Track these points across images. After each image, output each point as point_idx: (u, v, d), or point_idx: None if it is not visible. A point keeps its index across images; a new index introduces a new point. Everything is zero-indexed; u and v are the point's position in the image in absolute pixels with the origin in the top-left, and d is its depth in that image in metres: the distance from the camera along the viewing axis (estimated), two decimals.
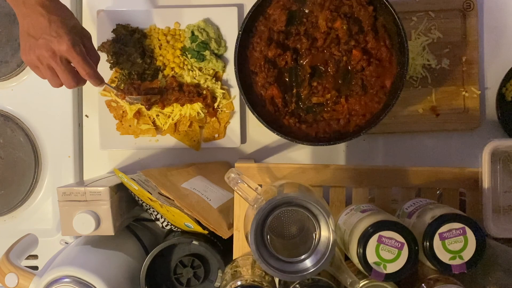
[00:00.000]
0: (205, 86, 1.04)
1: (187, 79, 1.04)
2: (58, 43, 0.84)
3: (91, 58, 0.89)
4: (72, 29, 0.86)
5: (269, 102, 0.93)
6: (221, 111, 1.05)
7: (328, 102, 0.94)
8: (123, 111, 1.05)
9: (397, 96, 0.87)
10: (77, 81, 0.89)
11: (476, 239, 0.71)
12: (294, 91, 0.94)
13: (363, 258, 0.70)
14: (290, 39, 0.93)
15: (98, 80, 0.91)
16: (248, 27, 0.92)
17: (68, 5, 1.05)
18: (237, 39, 0.90)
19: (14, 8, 0.87)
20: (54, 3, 0.86)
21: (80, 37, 0.88)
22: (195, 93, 1.02)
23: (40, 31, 0.84)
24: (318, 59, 0.93)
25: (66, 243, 1.05)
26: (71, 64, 0.87)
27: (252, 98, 0.92)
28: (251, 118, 1.08)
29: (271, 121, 0.91)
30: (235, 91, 1.06)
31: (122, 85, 1.03)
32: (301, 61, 0.94)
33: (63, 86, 0.90)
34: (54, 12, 0.85)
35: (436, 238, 0.71)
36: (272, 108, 0.93)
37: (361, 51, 0.91)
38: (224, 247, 0.93)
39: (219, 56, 1.06)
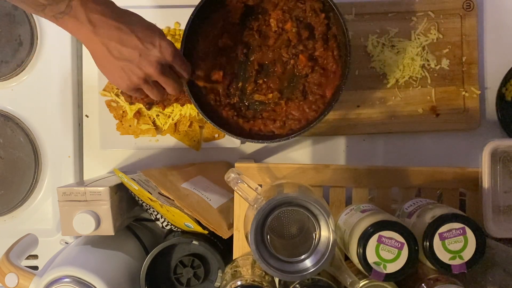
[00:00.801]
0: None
1: None
2: (161, 53, 0.74)
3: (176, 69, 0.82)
4: (159, 29, 0.76)
5: (211, 91, 0.93)
6: None
7: (270, 102, 0.94)
8: (123, 111, 1.05)
9: (332, 106, 0.87)
10: (181, 83, 0.83)
11: (476, 239, 0.71)
12: (240, 84, 0.95)
13: (363, 258, 0.70)
14: (244, 33, 0.93)
15: (190, 75, 0.85)
16: (203, 14, 0.91)
17: None
18: (188, 21, 0.88)
19: (79, 37, 0.73)
20: (121, 9, 0.73)
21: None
22: None
23: (133, 50, 0.73)
24: (267, 58, 0.94)
25: (66, 243, 1.05)
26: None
27: (192, 85, 0.92)
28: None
29: (209, 110, 0.91)
30: None
31: None
32: (251, 57, 0.94)
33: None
34: (130, 20, 0.73)
35: (436, 238, 0.71)
36: (213, 97, 0.93)
37: (307, 57, 0.92)
38: (224, 247, 0.93)
39: None
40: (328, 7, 0.90)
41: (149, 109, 1.03)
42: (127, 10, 0.76)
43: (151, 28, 0.75)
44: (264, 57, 0.94)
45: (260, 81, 0.94)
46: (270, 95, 0.94)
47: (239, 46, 0.93)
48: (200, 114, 1.03)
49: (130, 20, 0.73)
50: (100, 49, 0.73)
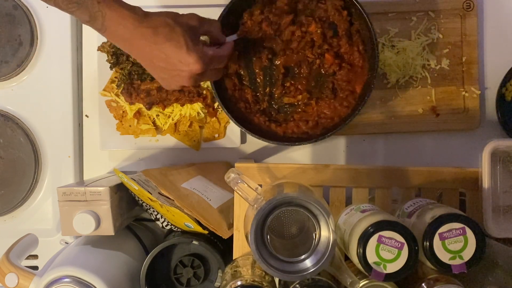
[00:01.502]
0: (205, 86, 1.04)
1: None
2: (190, 69, 0.77)
3: (214, 36, 0.85)
4: (186, 40, 0.76)
5: (241, 99, 0.94)
6: (221, 111, 1.05)
7: (300, 103, 0.94)
8: (123, 111, 1.05)
9: (365, 101, 0.87)
10: (220, 71, 0.87)
11: (476, 239, 0.71)
12: (267, 89, 0.95)
13: (363, 258, 0.70)
14: (267, 39, 0.94)
15: (231, 51, 0.87)
16: (228, 20, 0.91)
17: None
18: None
19: (122, 48, 0.78)
20: (150, 25, 0.75)
21: (192, 32, 0.78)
22: (195, 93, 1.02)
23: (165, 64, 0.77)
24: (292, 60, 0.94)
25: (66, 243, 1.05)
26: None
27: (223, 93, 0.92)
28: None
29: (241, 118, 0.92)
30: None
31: (122, 85, 1.03)
32: (276, 61, 0.94)
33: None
34: (157, 39, 0.75)
35: (436, 238, 0.71)
36: (243, 105, 0.94)
37: (333, 55, 0.92)
38: (224, 247, 0.93)
39: None
40: (349, 3, 0.91)
41: (149, 109, 1.03)
42: (154, 18, 0.76)
43: (178, 43, 0.76)
44: (289, 60, 0.94)
45: (288, 84, 0.94)
46: (299, 97, 0.94)
47: (263, 52, 0.93)
48: (207, 115, 1.04)
49: (157, 39, 0.75)
50: (142, 61, 0.79)
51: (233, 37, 0.91)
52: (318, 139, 0.89)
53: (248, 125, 0.92)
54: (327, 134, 0.89)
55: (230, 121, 1.05)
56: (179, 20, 0.78)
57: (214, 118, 1.05)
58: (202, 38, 0.86)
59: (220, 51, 0.83)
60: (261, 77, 0.95)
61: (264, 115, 0.94)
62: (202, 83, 1.04)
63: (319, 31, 0.92)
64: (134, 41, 0.75)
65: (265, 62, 0.94)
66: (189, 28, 0.79)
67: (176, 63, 0.76)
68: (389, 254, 0.70)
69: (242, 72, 0.95)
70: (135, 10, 0.75)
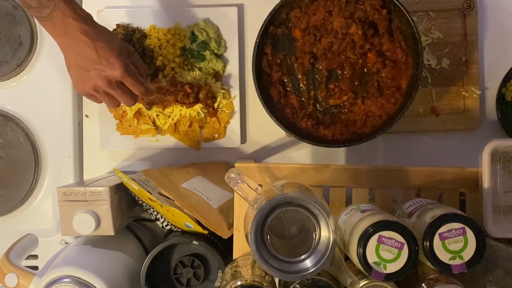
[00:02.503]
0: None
1: (187, 79, 1.04)
2: (111, 70, 0.83)
3: (140, 73, 0.89)
4: (120, 52, 0.85)
5: (286, 105, 0.95)
6: (221, 111, 1.05)
7: (345, 103, 0.95)
8: (123, 111, 1.05)
9: (413, 96, 0.88)
10: (135, 99, 0.89)
11: (476, 239, 0.71)
12: (312, 93, 0.96)
13: (363, 258, 0.70)
14: (306, 44, 0.95)
15: (149, 93, 0.91)
16: (265, 32, 0.93)
17: None
18: (255, 46, 0.92)
19: (55, 39, 0.84)
20: (95, 28, 0.84)
21: (127, 56, 0.87)
22: (193, 97, 1.02)
23: (90, 62, 0.83)
24: (334, 63, 0.95)
25: (66, 243, 1.05)
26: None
27: (269, 102, 0.94)
28: (251, 118, 1.08)
29: (288, 124, 0.93)
30: (235, 91, 1.06)
31: None
32: (318, 65, 0.95)
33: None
34: (98, 38, 0.83)
35: (436, 238, 0.71)
36: (289, 111, 0.95)
37: (376, 53, 0.93)
38: (224, 247, 0.93)
39: (219, 56, 1.06)
40: (388, 2, 0.91)
41: (149, 109, 1.03)
42: (102, 27, 0.86)
43: (113, 47, 0.84)
44: (331, 63, 0.95)
45: (332, 86, 0.95)
46: (345, 97, 0.95)
47: (305, 57, 0.94)
48: (208, 115, 1.04)
49: (97, 37, 0.83)
50: (68, 56, 0.85)
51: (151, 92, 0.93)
52: (369, 138, 0.90)
53: (296, 130, 0.93)
54: (377, 132, 0.90)
55: (230, 121, 1.05)
56: (118, 37, 0.90)
57: (214, 118, 1.05)
58: None
59: (142, 81, 0.88)
60: (305, 82, 0.96)
61: (311, 119, 0.95)
62: (201, 83, 1.04)
63: (359, 32, 0.92)
64: (74, 36, 0.82)
65: (307, 67, 0.95)
66: (125, 46, 0.88)
67: (102, 62, 0.83)
68: (389, 254, 0.70)
69: (285, 79, 0.96)
70: (86, 13, 0.84)
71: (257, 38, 0.92)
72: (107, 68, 0.83)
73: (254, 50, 0.92)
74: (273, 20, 0.94)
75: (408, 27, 0.90)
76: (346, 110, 0.96)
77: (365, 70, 0.95)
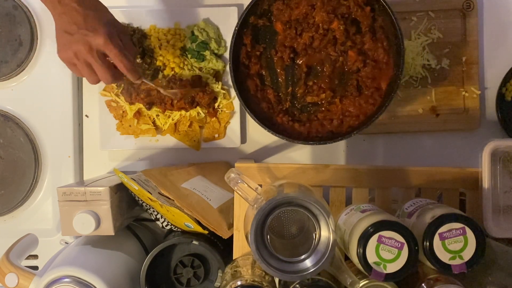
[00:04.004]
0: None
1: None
2: (94, 36, 0.83)
3: (128, 52, 0.88)
4: (108, 23, 0.86)
5: (263, 99, 0.93)
6: (221, 111, 1.05)
7: (323, 102, 0.93)
8: (123, 111, 1.05)
9: (391, 98, 0.86)
10: (115, 76, 0.88)
11: (476, 239, 0.71)
12: (290, 89, 0.94)
13: (363, 258, 0.70)
14: (287, 38, 0.93)
15: (136, 74, 0.90)
16: (246, 22, 0.91)
17: None
18: (233, 35, 0.90)
19: (49, 9, 0.86)
20: None
21: (116, 31, 0.87)
22: (191, 100, 1.03)
23: (76, 27, 0.84)
24: (314, 59, 0.93)
25: (66, 243, 1.05)
26: (108, 59, 0.87)
27: (245, 95, 0.92)
28: (251, 118, 1.08)
29: (264, 119, 0.91)
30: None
31: (122, 85, 1.03)
32: (298, 61, 0.94)
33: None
34: (89, 7, 0.84)
35: (436, 238, 0.71)
36: (265, 105, 0.93)
37: (357, 52, 0.91)
38: (224, 247, 0.93)
39: (219, 56, 1.06)
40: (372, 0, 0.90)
41: (149, 109, 1.03)
42: (100, 2, 0.88)
43: (101, 16, 0.85)
44: (312, 59, 0.93)
45: (310, 83, 0.93)
46: (323, 95, 0.93)
47: (285, 51, 0.93)
48: (208, 115, 1.04)
49: (89, 6, 0.85)
50: (58, 23, 0.86)
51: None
52: (344, 137, 0.88)
53: (271, 125, 0.91)
54: (353, 132, 0.88)
55: (230, 121, 1.05)
56: (111, 14, 0.90)
57: (214, 118, 1.05)
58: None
59: (127, 55, 0.87)
60: (283, 77, 0.94)
61: (287, 115, 0.93)
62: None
63: (341, 28, 0.91)
64: (67, 3, 0.83)
65: (287, 61, 0.93)
66: (116, 22, 0.90)
67: (87, 27, 0.83)
68: (389, 254, 0.70)
69: (264, 73, 0.94)
70: None
71: (236, 27, 0.90)
72: (90, 33, 0.83)
73: (232, 39, 0.90)
74: (255, 11, 0.91)
75: (391, 26, 0.88)
76: (323, 108, 0.93)
77: (346, 68, 0.92)
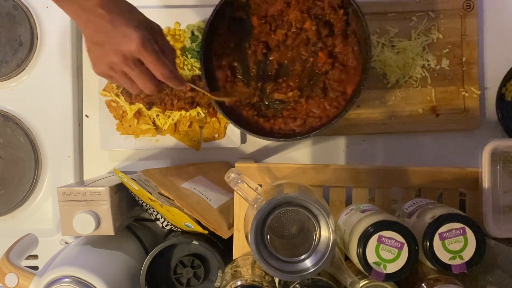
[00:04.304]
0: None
1: (188, 78, 1.04)
2: (127, 44, 0.73)
3: (165, 56, 0.78)
4: (140, 25, 0.75)
5: (231, 91, 0.94)
6: None
7: (290, 100, 0.94)
8: (123, 111, 1.05)
9: (352, 102, 0.87)
10: (156, 84, 0.78)
11: (476, 239, 0.71)
12: (259, 84, 0.95)
13: (363, 258, 0.70)
14: (262, 33, 0.93)
15: (177, 80, 0.79)
16: (223, 13, 0.91)
17: None
18: (207, 24, 0.90)
19: (74, 19, 0.78)
20: (113, 0, 0.75)
21: (150, 33, 0.77)
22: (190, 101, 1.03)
23: (104, 36, 0.74)
24: (286, 57, 0.94)
25: (66, 243, 1.05)
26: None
27: (214, 84, 0.92)
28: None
29: (230, 110, 0.91)
30: None
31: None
32: (270, 57, 0.94)
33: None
34: (115, 9, 0.74)
35: (436, 238, 0.71)
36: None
37: (327, 54, 0.91)
38: (224, 247, 0.93)
39: None
40: (346, 3, 0.90)
41: (149, 109, 1.03)
42: (127, 2, 0.78)
43: (131, 18, 0.75)
44: (283, 56, 0.94)
45: (280, 80, 0.94)
46: (290, 94, 0.94)
47: (259, 45, 0.93)
48: (207, 115, 1.04)
49: (115, 9, 0.74)
50: (86, 34, 0.77)
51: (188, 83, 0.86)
52: (302, 137, 0.89)
53: (236, 117, 0.91)
54: (312, 132, 0.88)
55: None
56: (141, 12, 0.79)
57: (214, 118, 1.05)
58: None
59: (165, 61, 0.77)
60: (254, 71, 0.94)
61: (254, 109, 0.94)
62: None
63: (313, 28, 0.91)
64: (91, 9, 0.74)
65: (260, 56, 0.94)
66: (148, 22, 0.78)
67: (117, 34, 0.74)
68: (389, 254, 0.70)
69: (235, 65, 0.94)
70: None
71: (210, 16, 0.89)
72: (121, 40, 0.73)
73: (205, 27, 0.90)
74: (232, 2, 0.91)
75: (362, 31, 0.88)
76: (289, 107, 0.94)
77: (315, 69, 0.93)
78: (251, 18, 0.94)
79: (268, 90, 0.95)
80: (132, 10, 0.77)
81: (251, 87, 0.94)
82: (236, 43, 0.94)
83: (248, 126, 0.91)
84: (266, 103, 0.95)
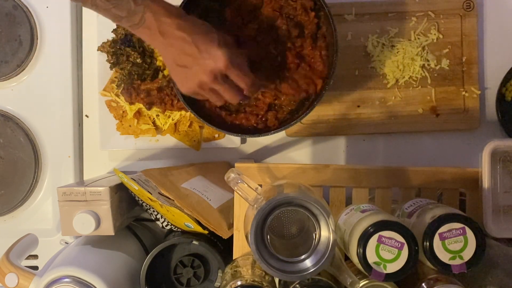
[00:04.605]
0: None
1: None
2: (215, 63, 0.76)
3: (243, 64, 0.82)
4: (219, 41, 0.78)
5: None
6: None
7: (254, 96, 0.93)
8: (123, 111, 1.05)
9: (314, 106, 0.86)
10: (240, 93, 0.82)
11: (476, 239, 0.71)
12: None
13: (363, 258, 0.70)
14: (234, 26, 0.92)
15: (256, 88, 0.84)
16: (197, 2, 0.90)
17: (68, 5, 1.05)
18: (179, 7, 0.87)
19: (152, 44, 0.81)
20: (190, 21, 0.78)
21: (228, 46, 0.80)
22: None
23: (191, 58, 0.77)
24: (254, 53, 0.92)
25: (66, 243, 1.05)
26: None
27: None
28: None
29: (192, 100, 0.89)
30: None
31: (122, 85, 1.03)
32: (240, 51, 0.93)
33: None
34: (195, 31, 0.77)
35: (436, 238, 0.71)
36: None
37: (294, 54, 0.90)
38: (224, 247, 0.93)
39: None
40: (319, 6, 0.90)
41: (149, 109, 1.03)
42: (196, 19, 0.80)
43: (213, 39, 0.78)
44: (253, 52, 0.91)
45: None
46: None
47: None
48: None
49: (194, 30, 0.77)
50: (168, 57, 0.79)
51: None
52: (261, 134, 0.89)
53: (197, 108, 0.90)
54: (270, 131, 0.88)
55: None
56: (214, 29, 0.81)
57: None
58: None
59: (247, 71, 0.81)
60: None
61: None
62: None
63: (284, 27, 0.91)
64: (170, 34, 0.77)
65: None
66: (223, 36, 0.81)
67: (203, 55, 0.77)
68: (389, 254, 0.70)
69: None
70: (177, 7, 0.79)
71: (181, 5, 0.87)
72: (210, 61, 0.76)
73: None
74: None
75: (331, 36, 0.88)
76: (253, 103, 0.93)
77: (283, 67, 0.92)
78: (225, 9, 0.93)
79: None
80: (208, 28, 0.80)
81: None
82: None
83: (208, 117, 0.90)
84: None
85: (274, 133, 0.89)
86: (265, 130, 0.92)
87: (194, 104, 0.90)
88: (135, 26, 0.77)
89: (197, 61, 0.77)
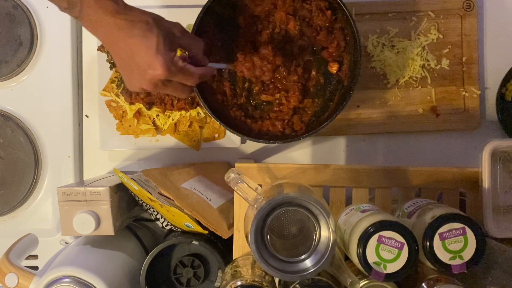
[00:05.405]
0: None
1: None
2: (153, 71, 0.72)
3: (192, 50, 0.79)
4: (158, 45, 0.72)
5: (218, 91, 0.93)
6: None
7: (277, 101, 0.94)
8: (123, 111, 1.05)
9: (342, 107, 0.86)
10: (189, 89, 0.80)
11: (476, 239, 0.71)
12: (246, 85, 0.94)
13: (363, 258, 0.70)
14: (248, 33, 0.93)
15: (207, 75, 0.80)
16: (211, 10, 0.90)
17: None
18: (196, 21, 0.88)
19: (99, 39, 0.76)
20: (129, 19, 0.72)
21: (171, 40, 0.75)
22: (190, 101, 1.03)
23: (130, 63, 0.73)
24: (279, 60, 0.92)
25: (66, 243, 1.05)
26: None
27: (201, 84, 0.89)
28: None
29: (217, 110, 0.90)
30: None
31: (122, 85, 1.03)
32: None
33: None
34: (132, 33, 0.72)
35: (436, 238, 0.71)
36: (220, 97, 0.93)
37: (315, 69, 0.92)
38: (224, 247, 0.93)
39: None
40: (334, 5, 0.89)
41: (149, 109, 1.03)
42: (138, 16, 0.74)
43: (150, 43, 0.73)
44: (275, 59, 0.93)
45: (268, 82, 0.94)
46: (277, 95, 0.93)
47: (246, 46, 0.92)
48: (208, 115, 1.04)
49: (132, 32, 0.72)
50: (113, 55, 0.76)
51: (220, 65, 0.88)
52: (293, 140, 0.89)
53: (223, 118, 0.89)
54: (302, 136, 0.88)
55: None
56: (160, 23, 0.75)
57: None
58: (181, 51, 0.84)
59: (193, 69, 0.77)
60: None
61: (241, 109, 0.93)
62: None
63: (297, 29, 0.91)
64: (110, 31, 0.72)
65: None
66: (168, 33, 0.75)
67: (140, 62, 0.73)
68: (389, 254, 0.70)
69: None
70: (116, 0, 0.73)
71: (200, 13, 0.87)
72: (147, 70, 0.72)
73: (194, 25, 0.87)
74: (220, 0, 0.89)
75: (352, 39, 0.88)
76: (276, 108, 0.94)
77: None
78: (238, 17, 0.93)
79: (255, 91, 0.94)
80: (148, 24, 0.73)
81: (238, 88, 0.94)
82: (223, 42, 0.93)
83: (236, 127, 0.90)
84: (253, 103, 0.95)
85: (306, 137, 0.88)
86: (293, 135, 0.91)
87: (218, 113, 0.89)
88: (78, 19, 0.74)
89: (135, 68, 0.73)
